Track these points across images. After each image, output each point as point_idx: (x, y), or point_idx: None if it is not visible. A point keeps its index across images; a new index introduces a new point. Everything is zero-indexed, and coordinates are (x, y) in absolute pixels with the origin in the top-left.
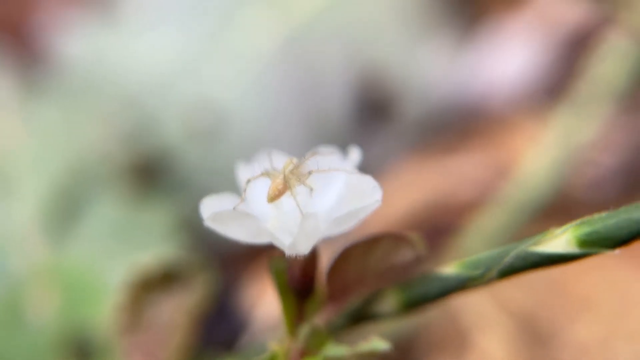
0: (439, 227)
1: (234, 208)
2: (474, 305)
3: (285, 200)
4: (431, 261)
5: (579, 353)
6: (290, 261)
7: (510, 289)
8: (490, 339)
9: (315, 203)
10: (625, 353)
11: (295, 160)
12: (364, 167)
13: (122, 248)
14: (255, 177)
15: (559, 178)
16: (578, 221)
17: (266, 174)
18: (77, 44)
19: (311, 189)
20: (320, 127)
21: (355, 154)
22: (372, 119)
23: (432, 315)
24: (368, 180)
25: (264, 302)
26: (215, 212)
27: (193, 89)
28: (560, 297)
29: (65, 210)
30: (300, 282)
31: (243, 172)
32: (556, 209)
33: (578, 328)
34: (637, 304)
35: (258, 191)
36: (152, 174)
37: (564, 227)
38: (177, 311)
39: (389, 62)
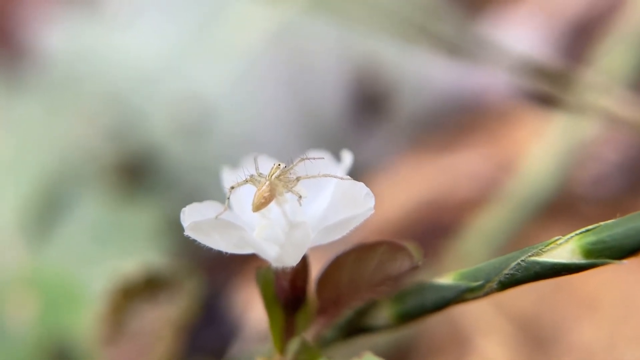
0: (438, 225)
1: (216, 217)
2: (474, 308)
3: (273, 207)
4: (430, 264)
5: (583, 356)
6: (278, 272)
7: (512, 290)
8: (491, 342)
9: (304, 211)
10: (631, 356)
11: (282, 165)
12: (360, 165)
13: (105, 252)
14: (239, 184)
15: (562, 174)
16: (583, 229)
17: (251, 180)
18: (60, 38)
19: (299, 196)
20: (313, 124)
21: (347, 159)
22: (368, 114)
23: (430, 318)
24: (360, 187)
25: (257, 307)
26: (196, 221)
27: (180, 84)
28: (564, 298)
29: (47, 211)
30: (289, 294)
31: (228, 178)
32: (559, 206)
33: (583, 330)
34: None
35: (244, 198)
36: (137, 172)
37: (567, 236)
38: (160, 321)
39: (384, 55)
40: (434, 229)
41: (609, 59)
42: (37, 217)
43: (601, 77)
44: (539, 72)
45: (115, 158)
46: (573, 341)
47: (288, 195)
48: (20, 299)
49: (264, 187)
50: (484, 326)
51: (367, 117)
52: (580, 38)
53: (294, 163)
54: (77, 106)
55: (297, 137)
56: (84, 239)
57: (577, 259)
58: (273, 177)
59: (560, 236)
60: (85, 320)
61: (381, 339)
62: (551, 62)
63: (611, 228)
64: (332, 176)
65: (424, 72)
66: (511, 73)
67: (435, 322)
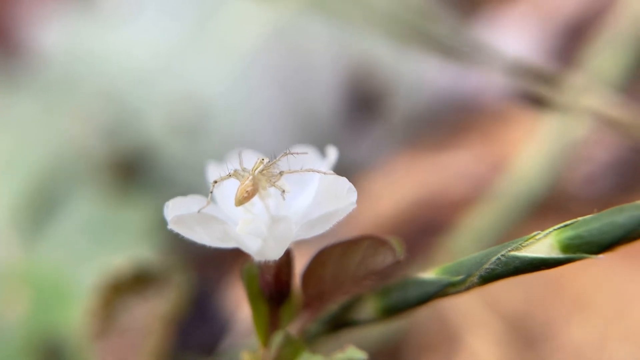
0: (430, 224)
1: (199, 210)
2: (463, 305)
3: (256, 202)
4: (423, 261)
5: (573, 355)
6: (262, 266)
7: (502, 288)
8: (480, 339)
9: (288, 205)
10: (621, 355)
11: (266, 160)
12: (354, 164)
13: (98, 249)
14: (223, 179)
15: (553, 174)
16: (561, 224)
17: (235, 174)
18: (57, 37)
19: (283, 191)
20: (308, 123)
21: (332, 154)
22: (363, 114)
23: (420, 315)
24: (343, 182)
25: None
26: (179, 215)
27: (176, 83)
28: (554, 296)
29: (40, 208)
30: (273, 288)
31: (212, 173)
32: (550, 205)
33: (572, 328)
34: (633, 303)
35: (228, 192)
36: (132, 170)
37: (546, 231)
38: (150, 315)
39: (379, 56)
40: (427, 227)
41: (600, 61)
42: (31, 214)
43: (592, 79)
44: (532, 73)
45: (109, 156)
46: (563, 339)
47: (272, 190)
48: (13, 295)
49: (246, 182)
50: (474, 323)
51: (362, 117)
52: (572, 40)
53: (277, 158)
54: (73, 105)
55: (293, 136)
56: (77, 236)
57: (556, 254)
58: (256, 171)
59: (539, 231)
60: (77, 316)
61: (370, 336)
62: (543, 64)
63: (588, 223)
64: (315, 171)
65: (419, 73)
66: (504, 74)
67: (425, 319)
